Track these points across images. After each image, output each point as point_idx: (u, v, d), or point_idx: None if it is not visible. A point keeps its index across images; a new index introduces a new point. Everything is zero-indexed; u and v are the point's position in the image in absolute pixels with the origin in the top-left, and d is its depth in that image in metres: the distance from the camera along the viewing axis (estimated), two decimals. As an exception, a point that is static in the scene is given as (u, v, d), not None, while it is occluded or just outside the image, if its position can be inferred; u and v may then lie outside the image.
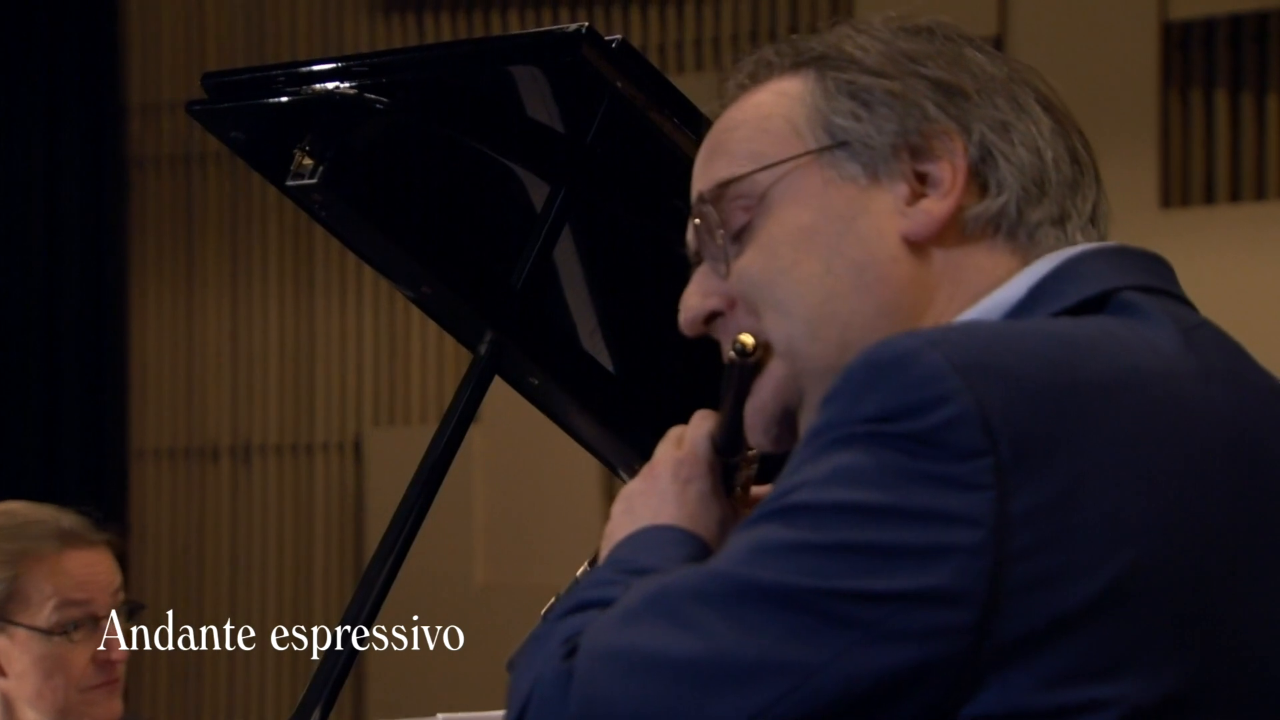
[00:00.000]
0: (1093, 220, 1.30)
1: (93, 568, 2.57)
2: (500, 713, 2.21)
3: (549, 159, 2.01)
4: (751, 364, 1.29)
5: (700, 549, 1.29)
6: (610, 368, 2.15)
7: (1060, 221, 1.28)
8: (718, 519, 1.32)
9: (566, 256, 2.12)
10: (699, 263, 1.34)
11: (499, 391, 2.07)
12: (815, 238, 1.27)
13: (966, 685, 1.10)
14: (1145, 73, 4.93)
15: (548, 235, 2.00)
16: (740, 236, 1.30)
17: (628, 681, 1.11)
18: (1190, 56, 4.99)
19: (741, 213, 1.30)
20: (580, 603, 1.20)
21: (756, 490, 1.38)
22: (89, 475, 5.69)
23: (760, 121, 1.31)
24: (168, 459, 5.92)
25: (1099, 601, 1.11)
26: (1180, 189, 4.99)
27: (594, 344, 2.14)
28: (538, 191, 2.04)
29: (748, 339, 1.29)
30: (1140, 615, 1.12)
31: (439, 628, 5.35)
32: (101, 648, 2.53)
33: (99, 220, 5.78)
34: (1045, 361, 1.15)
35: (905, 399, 1.12)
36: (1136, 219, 4.79)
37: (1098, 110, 4.93)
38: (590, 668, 1.12)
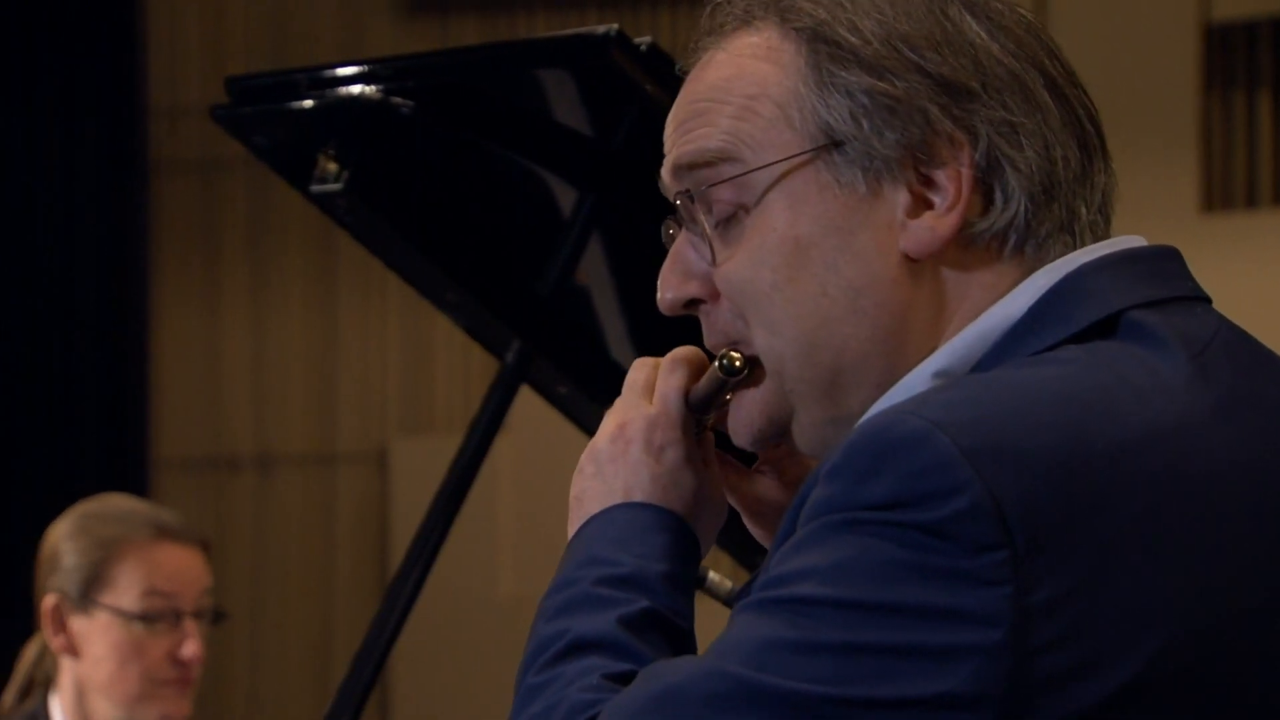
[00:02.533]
0: (1101, 209, 1.23)
1: (183, 563, 2.62)
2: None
3: (577, 164, 1.98)
4: (738, 380, 1.24)
5: (676, 529, 1.24)
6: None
7: (1069, 225, 1.21)
8: (693, 489, 1.26)
9: (595, 263, 2.09)
10: (673, 232, 1.26)
11: (526, 400, 2.05)
12: (810, 253, 1.20)
13: None
14: (1186, 75, 4.90)
15: (576, 242, 1.98)
16: (727, 225, 1.23)
17: None
18: (1232, 58, 4.95)
19: (727, 201, 1.22)
20: (575, 641, 1.17)
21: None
22: (110, 485, 5.66)
23: (748, 100, 1.22)
24: (189, 469, 5.91)
25: (1126, 692, 1.06)
26: (1221, 193, 4.95)
27: (622, 352, 2.12)
28: (566, 197, 2.01)
29: (736, 357, 1.23)
30: (1170, 701, 1.07)
31: (464, 639, 5.33)
32: (178, 647, 2.57)
33: (120, 226, 5.77)
34: (1056, 432, 1.09)
35: (914, 488, 1.07)
36: (1177, 223, 4.75)
37: (1137, 113, 4.90)
38: None
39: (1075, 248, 1.21)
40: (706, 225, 1.24)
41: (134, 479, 5.75)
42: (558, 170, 2.01)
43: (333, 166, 1.88)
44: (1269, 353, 1.22)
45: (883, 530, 1.07)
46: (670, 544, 1.23)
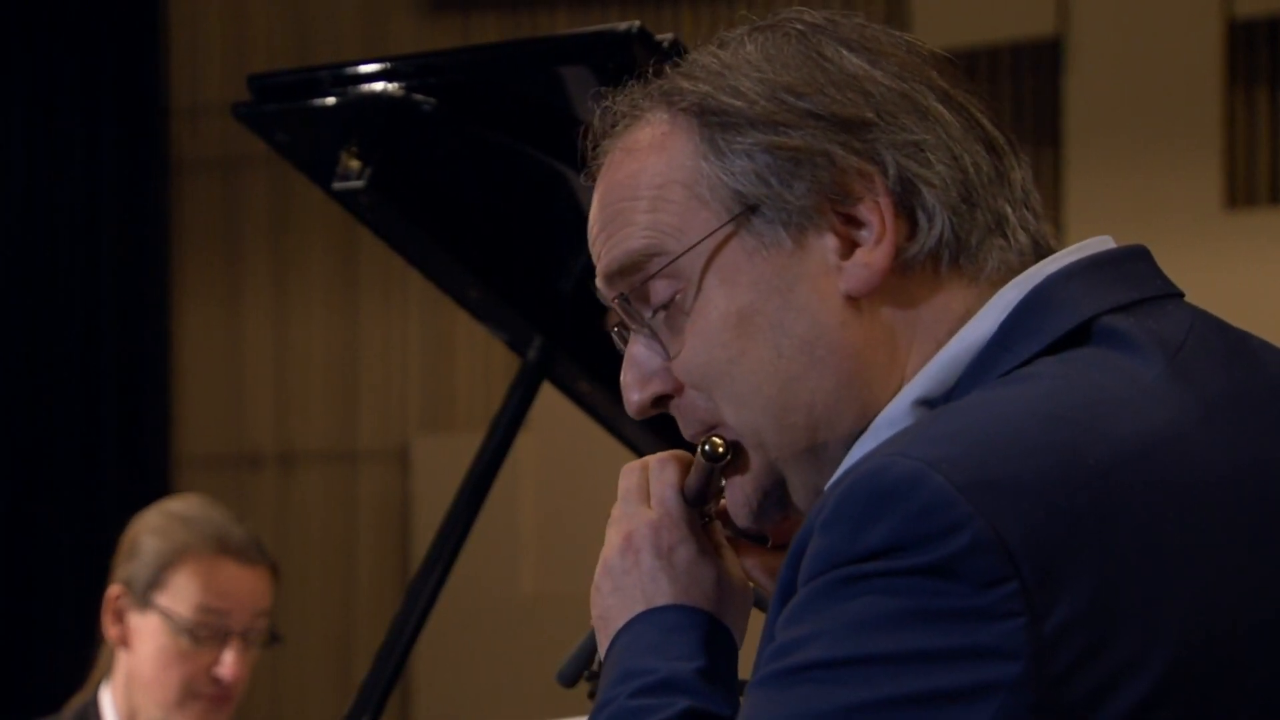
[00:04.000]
0: (1026, 202, 1.23)
1: (241, 583, 2.65)
2: (549, 725, 2.18)
3: (599, 161, 1.98)
4: (723, 464, 1.24)
5: (705, 625, 1.24)
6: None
7: (998, 226, 1.21)
8: (712, 579, 1.26)
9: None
10: (624, 335, 1.27)
11: (547, 397, 2.05)
12: (755, 320, 1.20)
13: None
14: (1209, 72, 4.88)
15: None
16: (668, 312, 1.23)
17: None
18: (1255, 55, 4.94)
19: (661, 292, 1.23)
20: None
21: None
22: (132, 482, 5.69)
23: (656, 190, 1.23)
24: (211, 466, 5.92)
25: (1152, 697, 1.06)
26: (1245, 189, 4.94)
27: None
28: (587, 194, 2.01)
29: (718, 443, 1.23)
30: (1195, 699, 1.07)
31: (486, 637, 5.34)
32: (220, 664, 2.58)
33: (141, 224, 5.78)
34: (1048, 455, 1.08)
35: (913, 530, 1.05)
36: (1200, 220, 4.74)
37: (1160, 110, 4.88)
38: None
39: (1011, 250, 1.21)
40: (651, 322, 1.24)
41: (156, 476, 5.76)
42: (579, 167, 2.01)
43: (355, 163, 1.88)
44: (1243, 337, 1.22)
45: (886, 581, 1.05)
46: (700, 640, 1.22)
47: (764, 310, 1.20)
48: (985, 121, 1.23)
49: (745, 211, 1.20)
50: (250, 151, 5.83)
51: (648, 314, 1.24)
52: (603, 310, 2.08)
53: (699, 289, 1.22)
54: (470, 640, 5.30)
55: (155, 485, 5.75)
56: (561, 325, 1.97)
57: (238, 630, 2.61)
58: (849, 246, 1.20)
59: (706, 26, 5.46)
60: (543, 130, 1.97)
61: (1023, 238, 1.21)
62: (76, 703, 2.69)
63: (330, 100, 1.88)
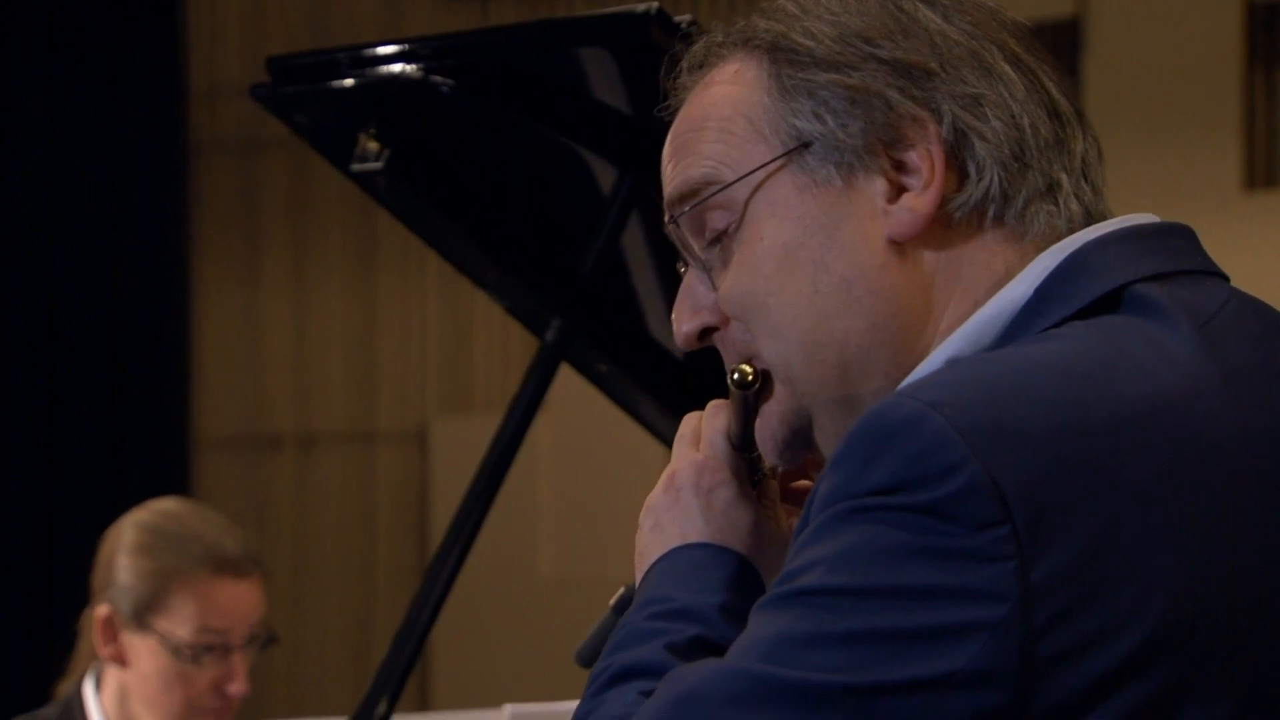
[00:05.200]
0: (1084, 174, 1.24)
1: (239, 600, 2.60)
2: (568, 704, 2.19)
3: (617, 143, 1.98)
4: (753, 393, 1.26)
5: (735, 564, 1.26)
6: (677, 353, 2.12)
7: (1050, 193, 1.22)
8: (748, 524, 1.29)
9: (634, 242, 2.09)
10: (683, 270, 1.30)
11: (564, 378, 2.05)
12: (799, 254, 1.22)
13: None
14: (1228, 53, 4.87)
15: (615, 221, 1.97)
16: (720, 244, 1.26)
17: None
18: (1274, 37, 4.92)
19: (716, 223, 1.25)
20: (619, 671, 1.18)
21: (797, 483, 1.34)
22: (152, 464, 5.72)
23: (722, 122, 1.26)
24: (230, 448, 5.93)
25: (1137, 657, 1.07)
26: (1265, 171, 4.92)
27: (661, 330, 2.12)
28: (605, 177, 2.01)
29: (747, 369, 1.25)
30: (1182, 662, 1.08)
31: (504, 618, 5.35)
32: (225, 678, 2.56)
33: (161, 207, 5.80)
34: (1054, 406, 1.09)
35: (911, 470, 1.07)
36: (1219, 202, 4.72)
37: (1179, 91, 4.87)
38: None
39: (1060, 216, 1.22)
40: (703, 254, 1.26)
41: (176, 458, 5.78)
42: (597, 149, 2.01)
43: (373, 145, 1.88)
44: None
45: (884, 515, 1.07)
46: (727, 578, 1.24)
47: (807, 246, 1.22)
48: (1053, 89, 1.24)
49: (800, 147, 1.22)
50: (269, 134, 5.84)
51: (701, 246, 1.26)
52: (619, 293, 2.09)
53: (748, 221, 1.24)
54: (488, 621, 5.31)
55: (175, 467, 5.78)
56: (580, 306, 1.97)
57: (238, 644, 2.58)
58: (896, 191, 1.22)
59: (724, 7, 5.46)
60: (561, 111, 1.97)
61: (1075, 206, 1.22)
62: (61, 694, 2.66)
63: (349, 82, 1.89)
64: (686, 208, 1.26)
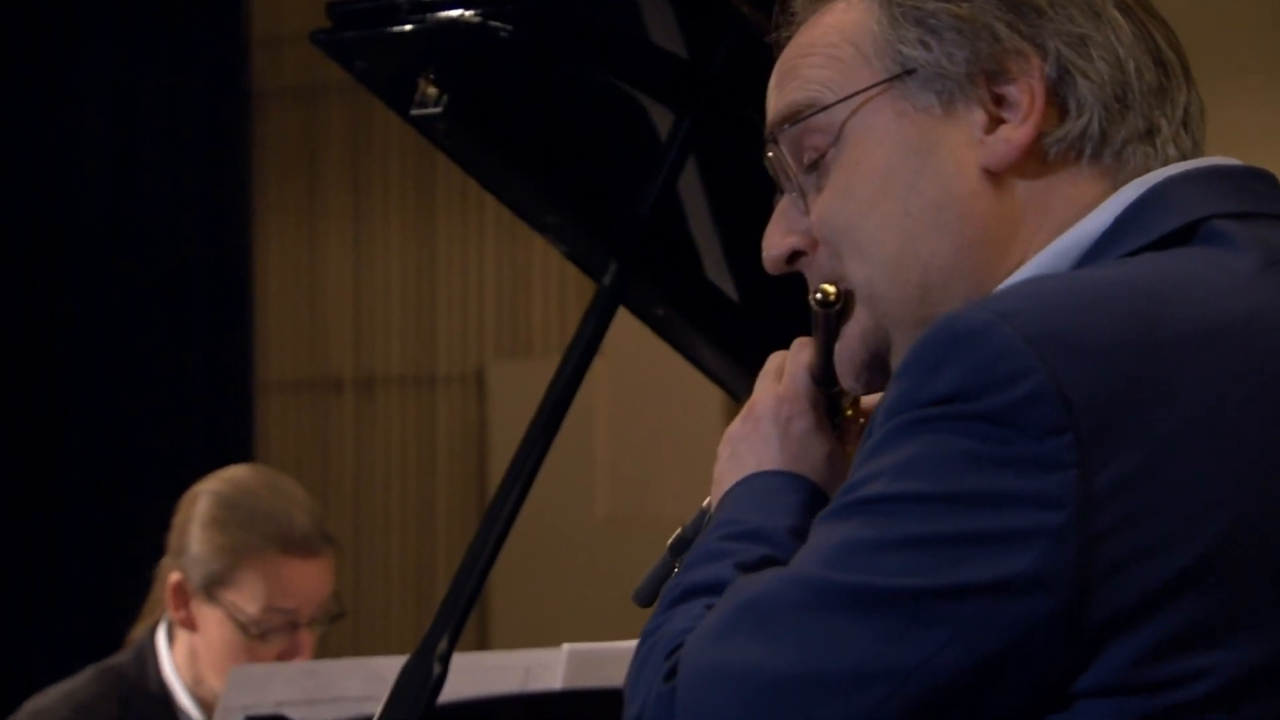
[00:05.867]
0: (1185, 124, 1.25)
1: (308, 580, 2.63)
2: (625, 644, 2.22)
3: (673, 88, 1.99)
4: (835, 313, 1.27)
5: (807, 492, 1.27)
6: (734, 297, 2.13)
7: (1148, 135, 1.23)
8: (823, 455, 1.30)
9: (690, 186, 2.10)
10: (780, 194, 1.32)
11: (620, 322, 2.06)
12: (892, 176, 1.24)
13: (1065, 667, 1.08)
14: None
15: (672, 165, 1.98)
16: (816, 169, 1.28)
17: (728, 700, 1.10)
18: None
19: (814, 147, 1.27)
20: (689, 588, 1.20)
21: (867, 402, 1.35)
22: (215, 408, 5.77)
23: (830, 49, 1.27)
24: (292, 391, 5.99)
25: (1193, 572, 1.08)
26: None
27: (718, 273, 2.13)
28: (662, 121, 2.02)
29: (829, 288, 1.27)
30: (1238, 582, 1.09)
31: (561, 559, 5.39)
32: (289, 653, 2.59)
33: (223, 153, 5.83)
34: (1123, 321, 1.11)
35: (978, 377, 1.09)
36: (1271, 152, 4.68)
37: (1224, 43, 4.82)
38: (691, 688, 1.12)
39: (1156, 159, 1.23)
40: (798, 174, 1.28)
41: (238, 402, 5.83)
42: (654, 93, 2.02)
43: (433, 90, 1.90)
44: None
45: (948, 424, 1.09)
46: (799, 504, 1.26)
47: (901, 169, 1.24)
48: (1160, 40, 1.25)
49: (904, 74, 1.24)
50: (330, 80, 5.87)
51: (799, 171, 1.28)
52: (676, 236, 2.10)
53: (845, 144, 1.26)
54: (546, 562, 5.35)
55: (238, 410, 5.83)
56: (637, 250, 1.98)
57: (305, 622, 2.61)
58: (994, 123, 1.23)
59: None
60: (618, 55, 1.98)
61: (1171, 151, 1.24)
62: (134, 638, 2.70)
63: (408, 27, 1.90)
64: (786, 129, 1.28)
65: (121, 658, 2.65)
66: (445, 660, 1.81)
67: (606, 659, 2.13)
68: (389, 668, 1.85)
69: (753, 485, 1.28)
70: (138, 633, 2.70)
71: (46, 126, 5.69)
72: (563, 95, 2.07)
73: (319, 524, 2.65)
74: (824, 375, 1.31)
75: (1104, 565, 1.07)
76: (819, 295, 1.27)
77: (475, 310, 5.85)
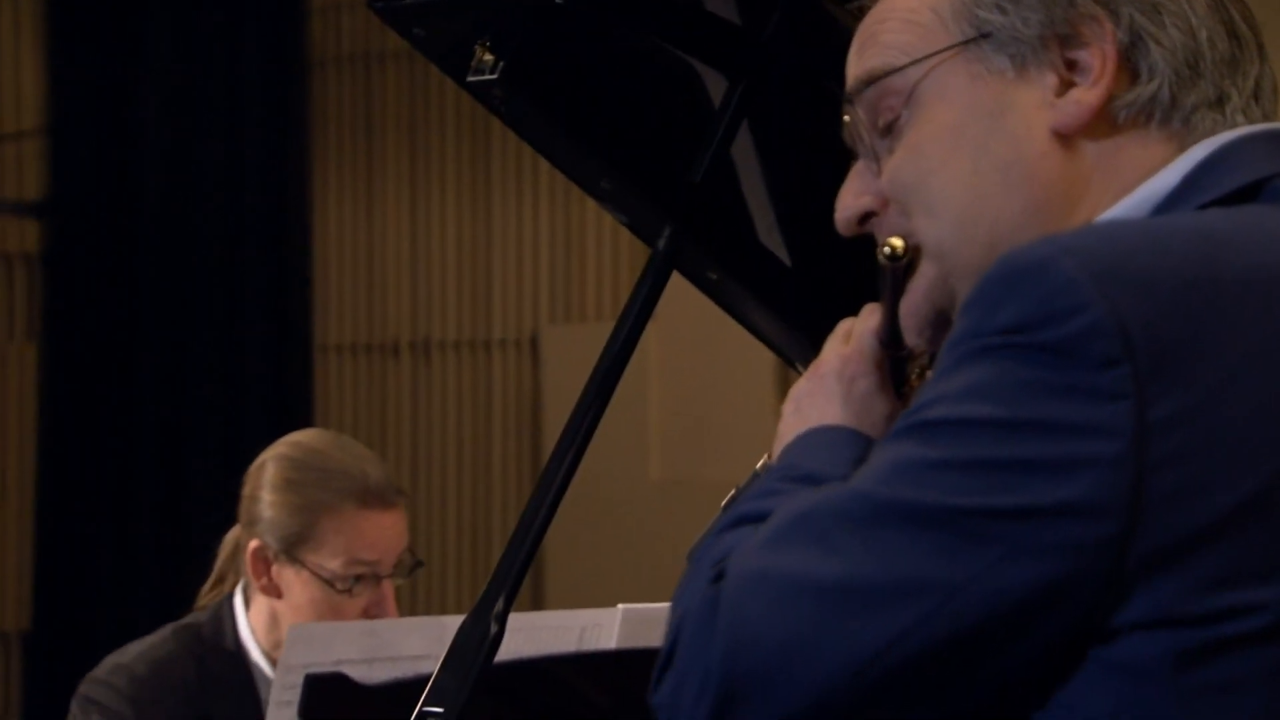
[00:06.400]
0: (1256, 97, 1.26)
1: (386, 531, 2.65)
2: (678, 605, 2.23)
3: (727, 54, 1.99)
4: (901, 267, 1.29)
5: (866, 447, 1.29)
6: (786, 261, 2.14)
7: (1218, 103, 1.25)
8: (884, 415, 1.32)
9: (744, 151, 2.11)
10: (855, 159, 1.34)
11: (674, 286, 2.08)
12: (963, 136, 1.26)
13: (1113, 596, 1.10)
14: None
15: (725, 130, 1.99)
16: (889, 132, 1.30)
17: (772, 605, 1.12)
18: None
19: (889, 109, 1.29)
20: (741, 516, 1.21)
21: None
22: (274, 371, 5.82)
23: (908, 13, 1.29)
24: (350, 355, 6.03)
25: (1246, 507, 1.10)
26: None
27: (771, 238, 2.14)
28: (715, 86, 2.03)
29: (897, 242, 1.29)
30: (1276, 532, 1.10)
31: (615, 522, 5.41)
32: (375, 605, 2.62)
33: (281, 121, 5.87)
34: (1185, 260, 1.13)
35: (1039, 309, 1.11)
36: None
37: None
38: (736, 592, 1.13)
39: (1225, 125, 1.25)
40: (872, 137, 1.31)
41: (297, 365, 5.88)
42: (708, 59, 2.03)
43: (489, 57, 1.91)
44: None
45: (1010, 353, 1.11)
46: (857, 458, 1.27)
47: (972, 129, 1.26)
48: (1235, 14, 1.27)
49: (979, 37, 1.26)
50: (387, 47, 5.89)
51: (873, 135, 1.31)
52: (730, 204, 2.11)
53: (919, 105, 1.28)
54: (600, 524, 5.38)
55: (297, 373, 5.88)
56: (691, 215, 2.00)
57: (385, 573, 2.63)
58: (1065, 87, 1.25)
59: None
60: (671, 22, 1.99)
61: (1240, 120, 1.26)
62: (212, 597, 2.73)
63: (465, -6, 1.91)
64: (863, 92, 1.30)
65: (199, 617, 2.69)
66: (502, 620, 1.83)
67: (660, 619, 2.14)
68: (446, 627, 1.87)
69: (814, 437, 1.30)
70: (209, 598, 2.73)
71: (108, 93, 5.74)
72: (617, 61, 2.08)
73: (393, 483, 2.68)
74: (890, 337, 1.33)
75: (1157, 496, 1.09)
76: (886, 249, 1.29)
77: (530, 275, 5.87)
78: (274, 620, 2.64)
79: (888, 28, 1.30)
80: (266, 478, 2.66)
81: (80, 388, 5.70)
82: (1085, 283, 1.10)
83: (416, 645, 2.25)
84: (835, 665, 1.09)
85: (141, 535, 5.64)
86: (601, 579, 5.37)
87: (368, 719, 2.11)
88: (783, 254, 2.14)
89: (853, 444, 1.28)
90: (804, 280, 2.13)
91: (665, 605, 2.21)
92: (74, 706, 2.59)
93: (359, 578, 2.61)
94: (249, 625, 2.65)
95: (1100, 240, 1.15)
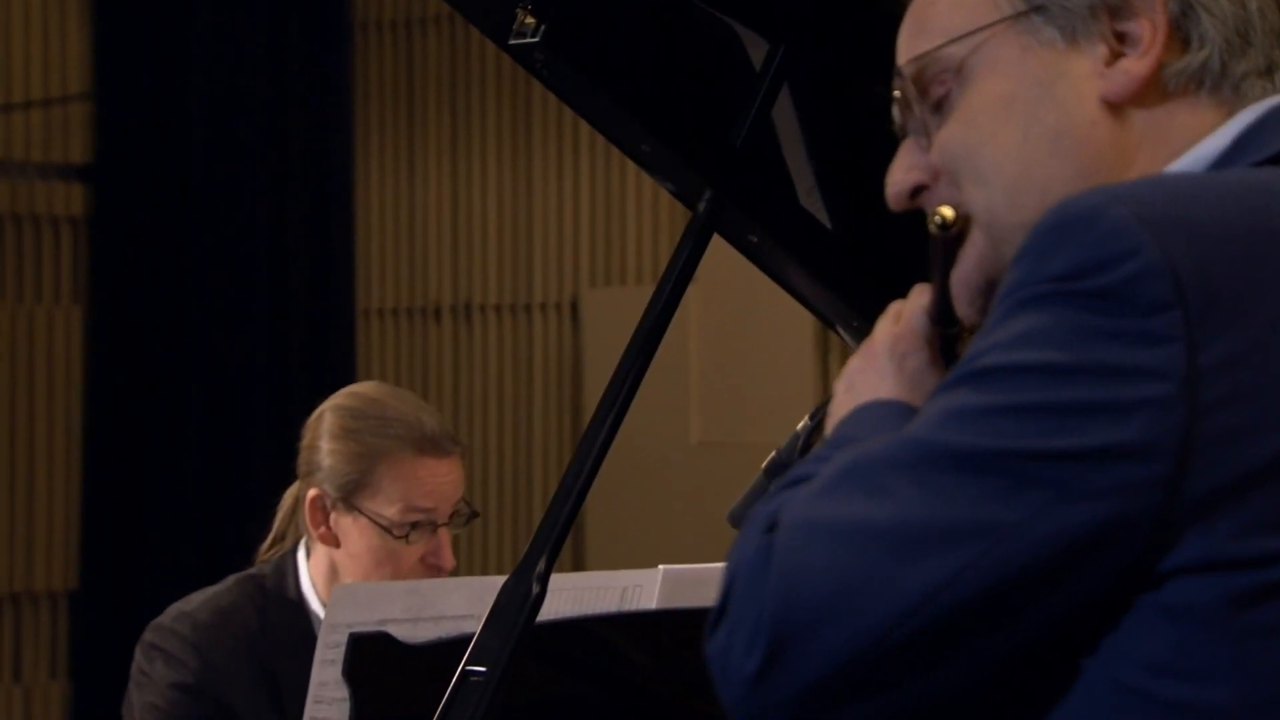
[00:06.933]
0: None
1: (442, 478, 2.66)
2: (719, 565, 2.25)
3: (768, 16, 2.00)
4: (953, 236, 1.29)
5: None
6: (826, 223, 2.15)
7: (1268, 72, 1.26)
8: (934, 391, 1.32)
9: (784, 113, 2.11)
10: (904, 137, 1.34)
11: (714, 249, 2.08)
12: (1013, 106, 1.26)
13: (1162, 538, 1.10)
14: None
15: (766, 93, 1.99)
16: (939, 108, 1.30)
17: (824, 551, 1.12)
18: None
19: (939, 85, 1.30)
20: (792, 479, 1.22)
21: None
22: (317, 334, 5.85)
23: None
24: (392, 319, 6.06)
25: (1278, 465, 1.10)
26: None
27: (811, 201, 2.14)
28: (756, 49, 2.03)
29: (947, 211, 1.29)
30: None
31: (656, 483, 5.43)
32: (433, 553, 2.64)
33: (323, 85, 5.88)
34: (1237, 209, 1.14)
35: (1090, 255, 1.11)
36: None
37: None
38: (788, 540, 1.13)
39: (1275, 93, 1.25)
40: (923, 112, 1.31)
41: (339, 328, 5.91)
42: (749, 22, 2.03)
43: (530, 20, 1.91)
44: None
45: (1062, 299, 1.12)
46: None
47: (1021, 98, 1.27)
48: None
49: (1029, 10, 1.27)
50: (429, 10, 5.90)
51: (924, 110, 1.31)
52: (771, 167, 2.11)
53: (969, 78, 1.29)
54: (641, 486, 5.40)
55: (339, 337, 5.91)
56: (731, 177, 2.00)
57: (443, 520, 2.64)
58: (1115, 56, 1.26)
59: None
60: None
61: None
62: (271, 555, 2.75)
63: (506, -41, 1.91)
64: (913, 67, 1.31)
65: (263, 569, 2.71)
66: (543, 580, 1.84)
67: (701, 580, 2.16)
68: (489, 587, 1.88)
69: (866, 411, 1.30)
70: (270, 553, 2.75)
71: (154, 58, 5.76)
72: (658, 24, 2.08)
73: (450, 431, 2.70)
74: (940, 313, 1.34)
75: (1207, 439, 1.10)
76: (937, 219, 1.29)
77: (571, 239, 5.88)
78: (333, 571, 2.66)
79: (937, 10, 1.31)
80: (325, 427, 2.68)
81: (126, 351, 5.74)
82: (1137, 228, 1.11)
83: (460, 605, 2.26)
84: (886, 609, 1.10)
85: (187, 496, 5.68)
86: (642, 541, 5.39)
87: (411, 678, 2.13)
88: (823, 216, 2.14)
89: (905, 416, 1.28)
90: (844, 242, 2.13)
91: (706, 566, 2.23)
92: (138, 654, 2.63)
93: (415, 525, 2.62)
94: (310, 577, 2.67)
95: (1152, 189, 1.16)
